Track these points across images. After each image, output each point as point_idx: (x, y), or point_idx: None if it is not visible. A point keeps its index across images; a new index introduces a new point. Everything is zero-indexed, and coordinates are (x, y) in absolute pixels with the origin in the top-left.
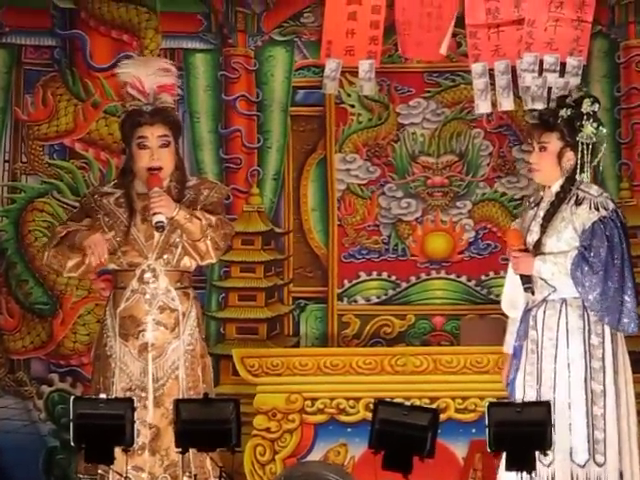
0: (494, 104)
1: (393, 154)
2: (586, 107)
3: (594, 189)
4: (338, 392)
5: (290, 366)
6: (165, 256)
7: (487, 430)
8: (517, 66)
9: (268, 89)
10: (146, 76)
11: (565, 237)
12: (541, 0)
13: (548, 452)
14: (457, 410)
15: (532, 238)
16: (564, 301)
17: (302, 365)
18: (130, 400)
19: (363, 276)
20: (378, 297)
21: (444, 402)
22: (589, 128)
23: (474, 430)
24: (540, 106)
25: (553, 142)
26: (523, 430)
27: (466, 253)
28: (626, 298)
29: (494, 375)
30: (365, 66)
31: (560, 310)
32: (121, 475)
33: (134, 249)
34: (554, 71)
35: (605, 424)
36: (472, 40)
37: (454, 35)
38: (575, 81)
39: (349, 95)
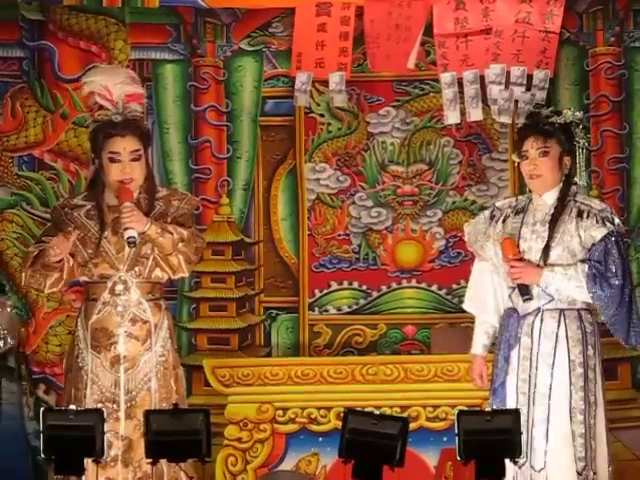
0: (463, 112)
1: (363, 163)
2: (570, 115)
3: (596, 203)
4: (309, 402)
5: (261, 376)
6: (136, 268)
7: (457, 438)
8: (486, 75)
9: (237, 99)
10: (114, 85)
11: (571, 249)
12: (509, 9)
13: (518, 460)
14: (428, 419)
15: (527, 246)
16: (562, 312)
17: (273, 375)
18: (100, 411)
19: (334, 286)
20: (349, 307)
21: (415, 411)
22: (580, 134)
23: (445, 438)
24: (507, 120)
25: (554, 147)
26: (493, 438)
27: (437, 262)
28: (633, 312)
29: (465, 383)
30: (336, 78)
31: (559, 320)
32: None
33: (105, 261)
34: (521, 84)
35: (596, 434)
36: (441, 50)
37: (423, 44)
38: (541, 95)
39: (318, 105)
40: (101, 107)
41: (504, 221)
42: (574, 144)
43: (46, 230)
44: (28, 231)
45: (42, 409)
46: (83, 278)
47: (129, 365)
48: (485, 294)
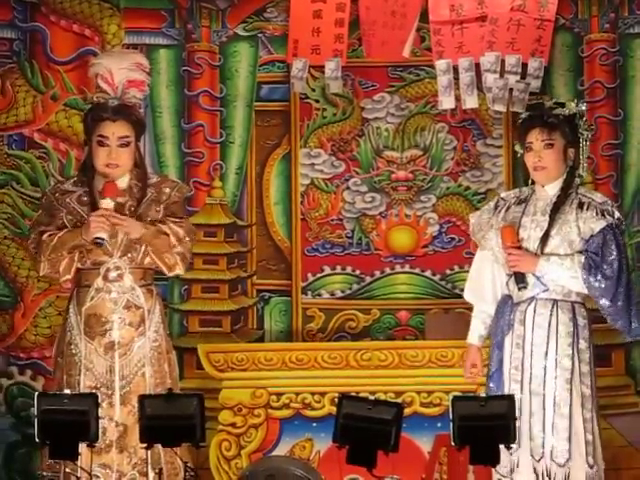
0: (458, 99)
1: (358, 149)
2: (573, 107)
3: (597, 196)
4: (303, 387)
5: (255, 361)
6: (129, 254)
7: (451, 424)
8: (481, 63)
9: (232, 84)
10: (118, 69)
11: (569, 239)
12: None
13: (512, 446)
14: (422, 404)
15: (527, 234)
16: (555, 302)
17: (267, 360)
18: (94, 396)
19: (327, 270)
20: (342, 291)
21: (409, 396)
22: (584, 125)
23: (439, 424)
24: (501, 108)
25: (558, 139)
26: (487, 424)
27: (430, 247)
28: (632, 303)
29: (459, 369)
30: (331, 65)
31: (551, 311)
32: (89, 473)
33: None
34: (515, 73)
35: (593, 427)
36: (436, 37)
37: (418, 30)
38: (536, 83)
39: (314, 90)
40: (102, 90)
41: (507, 210)
42: (578, 136)
43: (39, 218)
44: (18, 211)
45: (36, 394)
46: (77, 264)
47: (123, 351)
48: (484, 284)
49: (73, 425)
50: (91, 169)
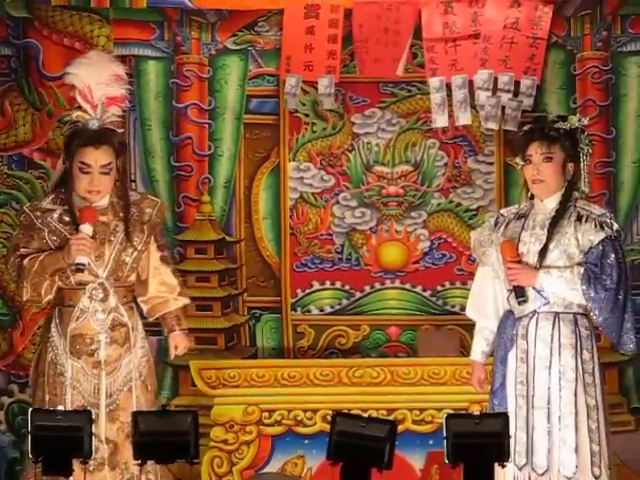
0: (450, 115)
1: (348, 163)
2: (575, 122)
3: (596, 208)
4: (295, 404)
5: (247, 378)
6: (116, 274)
7: (445, 441)
8: (474, 81)
9: (221, 97)
10: (96, 85)
11: (568, 252)
12: (497, 14)
13: (506, 463)
14: (414, 422)
15: (526, 248)
16: (557, 315)
17: (259, 377)
18: (88, 412)
19: (316, 285)
20: (332, 307)
21: (401, 413)
22: (585, 140)
23: (431, 441)
24: (494, 126)
25: (558, 153)
26: (481, 442)
27: (421, 263)
28: (626, 317)
29: (451, 386)
30: (325, 82)
31: (553, 324)
32: None
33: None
34: (508, 91)
35: (599, 438)
36: (429, 54)
37: (410, 46)
38: (528, 101)
39: (304, 104)
40: (81, 106)
41: (506, 226)
42: (578, 150)
43: (20, 238)
44: None
45: (30, 409)
46: (59, 284)
47: (110, 369)
48: (486, 300)
49: (67, 441)
50: (69, 186)
